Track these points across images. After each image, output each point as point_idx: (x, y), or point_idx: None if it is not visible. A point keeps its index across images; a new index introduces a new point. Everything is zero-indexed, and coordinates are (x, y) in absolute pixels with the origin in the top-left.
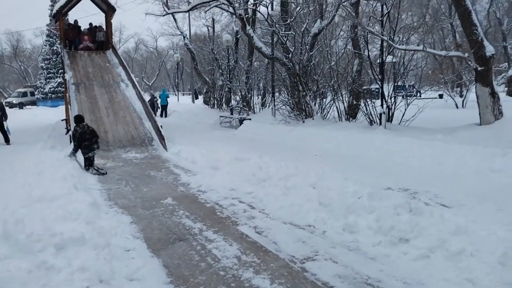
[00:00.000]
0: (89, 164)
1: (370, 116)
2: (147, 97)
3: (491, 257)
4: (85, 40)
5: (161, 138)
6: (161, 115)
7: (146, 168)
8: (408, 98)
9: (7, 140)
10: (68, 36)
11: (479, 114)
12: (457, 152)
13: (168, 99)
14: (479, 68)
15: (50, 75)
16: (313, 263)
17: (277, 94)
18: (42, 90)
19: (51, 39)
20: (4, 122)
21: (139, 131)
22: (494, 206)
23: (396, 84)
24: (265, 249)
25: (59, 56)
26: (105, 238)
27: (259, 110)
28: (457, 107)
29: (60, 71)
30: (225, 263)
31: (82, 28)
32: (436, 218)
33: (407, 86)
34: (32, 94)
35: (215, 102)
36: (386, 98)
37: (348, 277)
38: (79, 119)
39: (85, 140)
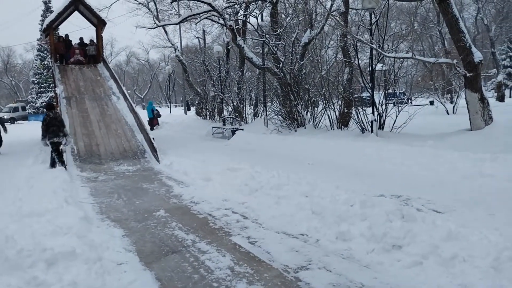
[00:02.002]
0: (56, 155)
1: (362, 124)
2: (139, 110)
3: (484, 262)
4: (76, 54)
5: (153, 150)
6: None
7: (138, 181)
8: (399, 105)
9: None
10: (58, 50)
11: (469, 119)
12: (447, 158)
13: (154, 112)
14: (468, 74)
15: (41, 89)
16: (306, 272)
17: (269, 104)
18: (33, 104)
19: (42, 54)
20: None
21: (131, 143)
22: (485, 210)
23: (386, 91)
24: (258, 259)
25: (50, 70)
26: (96, 252)
27: (252, 120)
28: (447, 113)
29: (51, 85)
30: (218, 275)
31: (73, 43)
32: (428, 224)
33: (398, 94)
34: (24, 109)
35: (207, 113)
36: (377, 105)
37: (342, 285)
38: (50, 106)
39: (53, 125)
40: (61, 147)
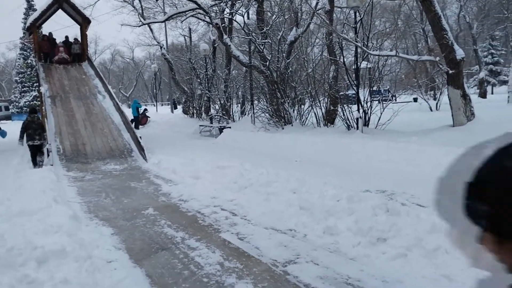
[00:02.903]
0: (33, 157)
1: (348, 121)
2: (125, 108)
3: None
4: (60, 51)
5: (141, 149)
6: (135, 127)
7: (126, 180)
8: (383, 102)
9: None
10: (42, 48)
11: (452, 116)
12: (431, 154)
13: (140, 109)
14: (450, 71)
15: (25, 88)
16: (295, 266)
17: (256, 101)
18: (17, 104)
19: (25, 52)
20: None
21: (118, 142)
22: None
23: (371, 89)
24: (247, 254)
25: (34, 69)
26: (86, 250)
27: (239, 118)
28: (431, 109)
29: (35, 84)
30: (208, 270)
31: (57, 41)
32: (413, 218)
33: (382, 91)
34: (7, 108)
35: (195, 111)
36: (362, 103)
37: (329, 278)
38: (32, 110)
39: (30, 129)
40: (44, 148)
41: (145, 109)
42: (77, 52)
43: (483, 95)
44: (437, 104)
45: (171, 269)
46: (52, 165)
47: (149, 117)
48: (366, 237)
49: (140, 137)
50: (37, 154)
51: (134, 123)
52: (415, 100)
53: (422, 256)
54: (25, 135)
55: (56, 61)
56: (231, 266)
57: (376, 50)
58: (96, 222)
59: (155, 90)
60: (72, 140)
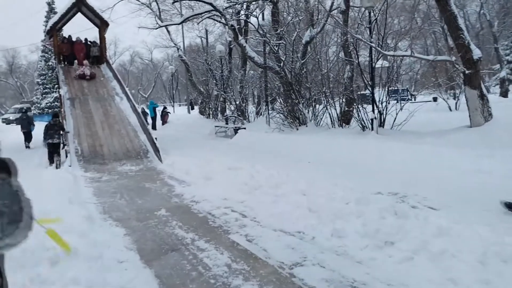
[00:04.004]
0: (50, 155)
1: (362, 122)
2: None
3: (472, 257)
4: (82, 62)
5: (156, 150)
6: (152, 128)
7: (141, 180)
8: (401, 102)
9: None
10: (62, 51)
11: (469, 116)
12: (446, 155)
13: (157, 110)
14: (467, 72)
15: (46, 90)
16: (301, 268)
17: (271, 102)
18: (38, 105)
19: (46, 55)
20: None
21: (134, 143)
22: (480, 206)
23: (388, 88)
24: (255, 256)
25: (55, 71)
26: (98, 251)
27: (254, 119)
28: (450, 109)
29: (56, 86)
30: (215, 271)
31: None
32: (421, 221)
33: (400, 91)
34: (29, 109)
35: (210, 112)
36: (377, 103)
37: (334, 281)
38: (54, 115)
39: (51, 130)
40: (65, 148)
41: (165, 107)
42: (95, 55)
43: (504, 94)
44: (456, 103)
45: (179, 270)
46: (70, 166)
47: (169, 112)
48: (374, 240)
49: (156, 138)
50: (54, 153)
51: (151, 123)
52: (435, 99)
53: (428, 260)
54: (46, 135)
55: (79, 76)
56: (238, 267)
57: (392, 50)
58: (110, 223)
59: (172, 91)
60: (90, 141)
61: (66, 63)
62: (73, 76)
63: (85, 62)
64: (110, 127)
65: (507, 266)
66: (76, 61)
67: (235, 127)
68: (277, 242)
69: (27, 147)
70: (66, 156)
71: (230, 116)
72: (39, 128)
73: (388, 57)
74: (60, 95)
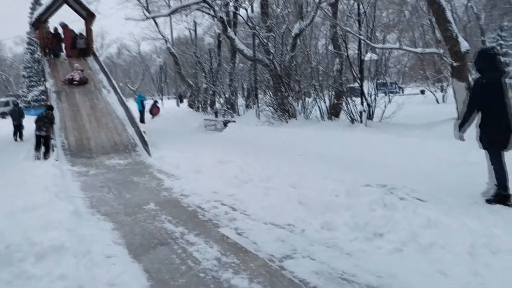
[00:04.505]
0: (37, 148)
1: (351, 115)
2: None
3: (460, 249)
4: (75, 69)
5: (145, 143)
6: (141, 121)
7: (129, 174)
8: (390, 95)
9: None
10: (47, 44)
11: (457, 108)
12: (434, 147)
13: (145, 102)
14: (455, 64)
15: (32, 83)
16: (291, 261)
17: (261, 95)
18: (24, 99)
19: (32, 47)
20: None
21: (122, 137)
22: (469, 198)
23: (377, 81)
24: (245, 249)
25: (41, 64)
26: (85, 246)
27: (244, 112)
28: (437, 102)
29: (42, 79)
30: (205, 265)
31: (62, 36)
32: (409, 213)
33: (388, 83)
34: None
35: (200, 105)
36: (366, 96)
37: (324, 273)
38: (48, 107)
39: (39, 121)
40: (51, 142)
41: (156, 101)
42: (82, 47)
43: None
44: (443, 96)
45: (169, 264)
46: (57, 160)
47: (159, 107)
48: (363, 232)
49: (144, 131)
50: (41, 145)
51: (139, 117)
52: (422, 92)
53: (417, 252)
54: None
55: (68, 80)
56: (228, 261)
57: (380, 43)
58: (98, 217)
59: (161, 84)
60: (77, 135)
61: (52, 55)
62: (61, 79)
63: (77, 65)
64: (97, 120)
65: (495, 258)
66: (62, 53)
67: (225, 120)
68: (267, 235)
69: (16, 140)
70: (53, 151)
71: (220, 109)
72: (28, 121)
73: (377, 50)
74: (46, 88)
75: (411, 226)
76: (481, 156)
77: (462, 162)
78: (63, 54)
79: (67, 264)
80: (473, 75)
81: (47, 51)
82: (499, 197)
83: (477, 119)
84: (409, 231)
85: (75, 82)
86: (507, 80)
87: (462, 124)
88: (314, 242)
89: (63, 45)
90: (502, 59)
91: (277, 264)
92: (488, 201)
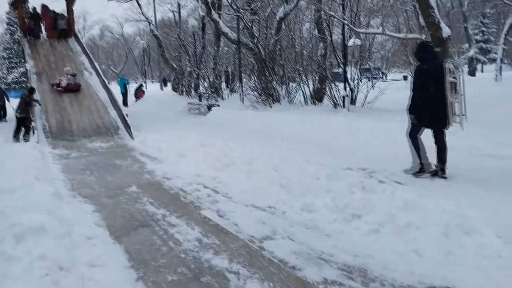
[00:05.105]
0: (17, 129)
1: (334, 99)
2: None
3: (436, 229)
4: (50, 34)
5: (127, 126)
6: (124, 104)
7: (111, 157)
8: (373, 80)
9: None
10: (27, 27)
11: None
12: None
13: (128, 86)
14: (437, 50)
15: (12, 65)
16: (271, 242)
17: (245, 79)
18: (4, 80)
19: (11, 28)
20: None
21: (104, 120)
22: (445, 181)
23: (360, 67)
24: (226, 231)
25: (21, 45)
26: (66, 227)
27: (228, 96)
28: None
29: (23, 60)
30: (186, 246)
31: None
32: (388, 195)
33: (372, 69)
34: None
35: (184, 89)
36: (349, 81)
37: (303, 253)
38: (29, 89)
39: (20, 103)
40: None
41: (141, 84)
42: (63, 28)
43: (472, 73)
44: None
45: (150, 245)
46: (38, 142)
47: (144, 91)
48: (342, 214)
49: (127, 114)
50: (20, 126)
51: (122, 100)
52: (405, 78)
53: (393, 232)
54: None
55: (56, 84)
56: (209, 242)
57: (364, 28)
58: (79, 200)
59: (144, 67)
60: (58, 117)
61: (31, 37)
62: (50, 83)
63: (67, 69)
64: (79, 103)
65: (469, 238)
66: (42, 34)
67: (209, 104)
68: (249, 217)
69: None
70: (33, 133)
71: (204, 93)
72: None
73: (361, 35)
74: (26, 69)
75: (389, 208)
76: (458, 140)
77: None
78: (43, 35)
79: (47, 245)
80: (455, 62)
81: (27, 32)
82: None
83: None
84: (386, 213)
85: (59, 88)
86: (448, 65)
87: (413, 108)
88: (294, 224)
89: (43, 26)
90: (484, 45)
91: (257, 245)
92: (415, 175)
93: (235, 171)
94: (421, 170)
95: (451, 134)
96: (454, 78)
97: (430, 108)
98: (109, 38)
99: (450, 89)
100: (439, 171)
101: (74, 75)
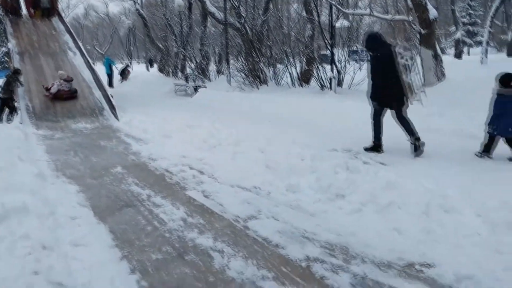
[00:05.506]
0: (0, 108)
1: (322, 81)
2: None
3: (417, 208)
4: (32, 14)
5: (112, 107)
6: (109, 85)
7: (96, 138)
8: (360, 62)
9: None
10: (11, 5)
11: (423, 76)
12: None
13: (114, 66)
14: (423, 32)
15: None
16: (256, 221)
17: (232, 61)
18: None
19: None
20: None
21: (89, 100)
22: (428, 162)
23: (348, 48)
24: (211, 211)
25: (3, 24)
26: (50, 208)
27: (215, 78)
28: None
29: (5, 40)
30: (171, 226)
31: None
32: (371, 175)
33: (360, 51)
34: None
35: (170, 70)
36: (336, 63)
37: (287, 232)
38: (14, 70)
39: (4, 83)
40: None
41: (127, 65)
42: (46, 7)
43: (458, 55)
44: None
45: (134, 225)
46: (21, 123)
47: (129, 71)
48: (326, 194)
49: (112, 95)
50: (4, 107)
51: (107, 80)
52: (411, 59)
53: (375, 212)
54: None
55: (56, 94)
56: (194, 222)
57: (351, 9)
58: (63, 180)
59: (130, 47)
60: (42, 98)
61: (13, 15)
62: (43, 86)
63: (61, 73)
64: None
65: (448, 216)
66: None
67: (196, 85)
68: (234, 198)
69: None
70: (16, 113)
71: (190, 75)
72: None
73: (349, 17)
74: (8, 49)
75: (372, 188)
76: (443, 123)
77: (425, 129)
78: (26, 13)
79: (30, 225)
80: (442, 44)
81: (9, 10)
82: (374, 145)
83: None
84: (369, 193)
85: (47, 94)
86: (398, 49)
87: (373, 94)
88: (279, 204)
89: (23, 5)
90: (471, 28)
91: (241, 224)
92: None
93: (221, 152)
94: (372, 148)
95: (437, 116)
96: (411, 59)
97: (388, 91)
98: (94, 17)
99: (404, 70)
100: (416, 143)
101: (68, 80)
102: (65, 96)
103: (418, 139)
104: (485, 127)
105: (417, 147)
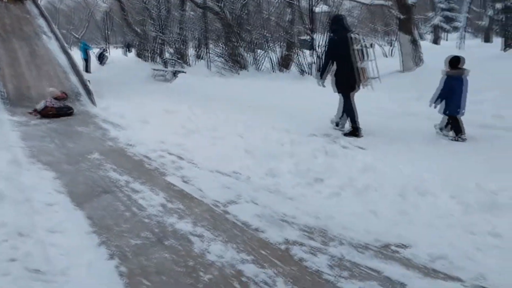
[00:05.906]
0: None
1: (301, 66)
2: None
3: (392, 191)
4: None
5: (88, 93)
6: (86, 70)
7: (73, 124)
8: None
9: None
10: None
11: (402, 61)
12: (377, 99)
13: (90, 52)
14: (402, 17)
15: None
16: (235, 206)
17: (212, 46)
18: None
19: None
20: None
21: (65, 86)
22: (404, 146)
23: (328, 33)
24: (190, 196)
25: None
26: (25, 194)
27: (194, 63)
28: (385, 55)
29: None
30: (150, 211)
31: None
32: (349, 159)
33: None
34: None
35: (148, 55)
36: (316, 48)
37: (266, 216)
38: None
39: None
40: None
41: (104, 49)
42: None
43: (435, 41)
44: (392, 50)
45: (113, 211)
46: None
47: (107, 56)
48: (305, 178)
49: (88, 80)
50: None
51: (84, 65)
52: (371, 45)
53: (353, 195)
54: None
55: (47, 112)
56: (173, 207)
57: None
58: (38, 167)
59: (107, 32)
60: (16, 83)
61: None
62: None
63: (51, 90)
64: (37, 68)
65: (423, 199)
66: None
67: (174, 70)
68: (213, 183)
69: None
70: None
71: (169, 59)
72: None
73: (328, 1)
74: None
75: (349, 172)
76: (420, 107)
77: (402, 113)
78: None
79: (5, 212)
80: (420, 29)
81: None
82: (352, 130)
83: (333, 69)
84: (347, 176)
85: (30, 112)
86: (354, 35)
87: (322, 73)
88: (258, 188)
89: None
90: (449, 14)
91: (221, 209)
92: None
93: (200, 137)
94: (351, 132)
95: (414, 101)
96: (366, 46)
97: (342, 75)
98: (70, 1)
99: (357, 56)
100: (355, 131)
101: (59, 98)
102: (52, 114)
103: (357, 128)
104: (429, 103)
105: (349, 133)
